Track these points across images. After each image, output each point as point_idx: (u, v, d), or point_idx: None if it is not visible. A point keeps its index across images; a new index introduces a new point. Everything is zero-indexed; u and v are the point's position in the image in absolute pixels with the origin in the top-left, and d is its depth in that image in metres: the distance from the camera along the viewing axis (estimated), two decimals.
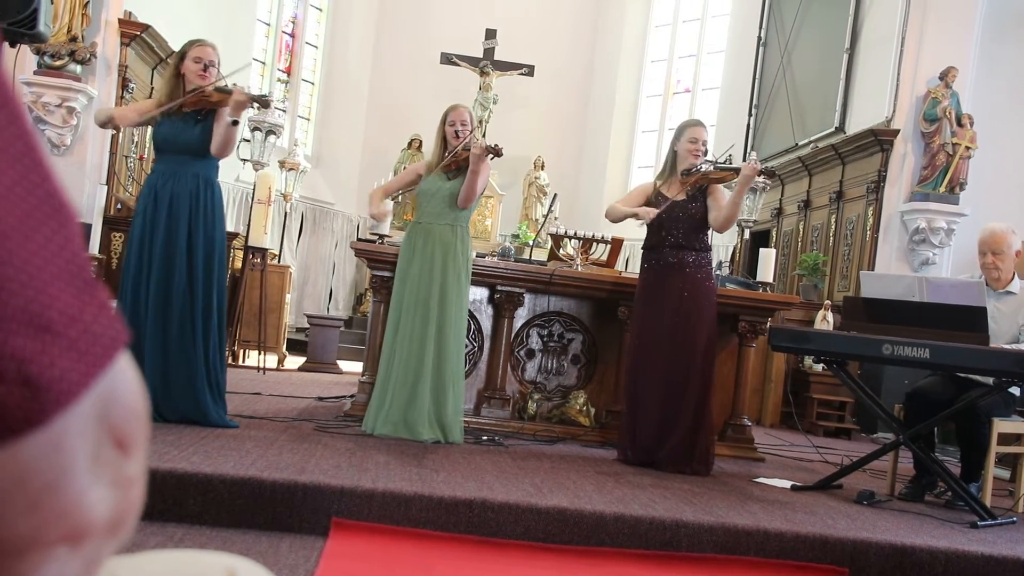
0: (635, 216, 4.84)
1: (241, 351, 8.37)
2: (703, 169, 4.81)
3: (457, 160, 4.86)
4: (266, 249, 8.29)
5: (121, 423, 0.42)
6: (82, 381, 0.39)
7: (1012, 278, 4.72)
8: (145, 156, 8.65)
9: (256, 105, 4.57)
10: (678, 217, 4.83)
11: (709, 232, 4.96)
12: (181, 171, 4.40)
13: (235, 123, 4.42)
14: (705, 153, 4.93)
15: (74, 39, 7.65)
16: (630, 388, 4.89)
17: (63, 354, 0.38)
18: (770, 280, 5.96)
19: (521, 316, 5.62)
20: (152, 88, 8.94)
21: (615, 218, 5.00)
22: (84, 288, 0.40)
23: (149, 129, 8.89)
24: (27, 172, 0.39)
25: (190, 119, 4.43)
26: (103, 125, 4.62)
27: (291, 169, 11.12)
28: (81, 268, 0.40)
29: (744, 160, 10.53)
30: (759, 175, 4.74)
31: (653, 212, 4.80)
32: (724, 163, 4.93)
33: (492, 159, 4.84)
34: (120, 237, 8.03)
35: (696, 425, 4.68)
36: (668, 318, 4.73)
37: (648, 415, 4.72)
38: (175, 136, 4.40)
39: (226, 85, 4.53)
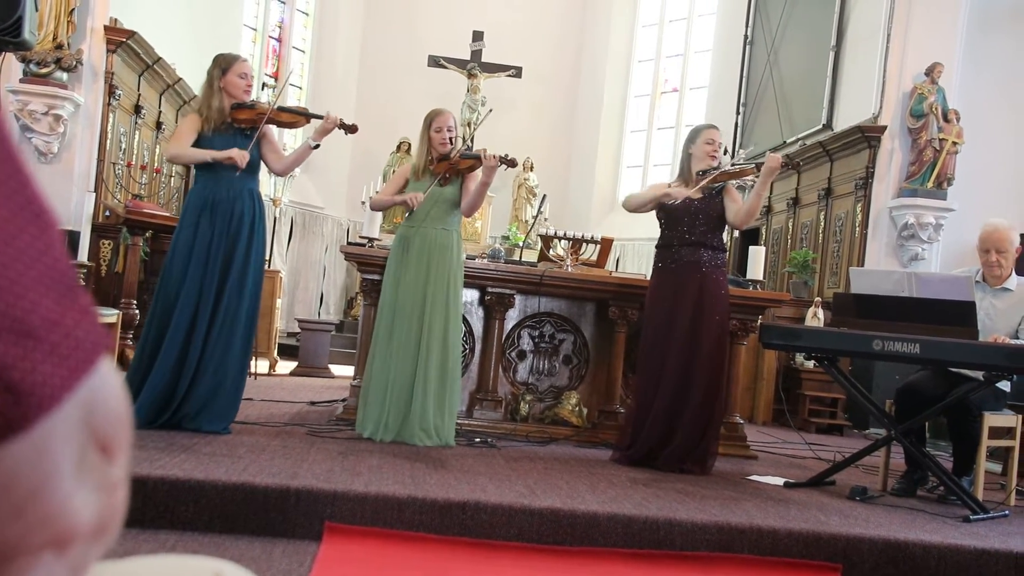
0: (665, 196, 4.79)
1: None
2: (721, 167, 4.80)
3: (456, 168, 4.85)
4: None
5: (105, 427, 0.42)
6: (64, 386, 0.39)
7: (1010, 275, 4.72)
8: (133, 163, 8.62)
9: (344, 131, 4.83)
10: (694, 215, 4.80)
11: (724, 233, 4.93)
12: (238, 187, 4.48)
13: (316, 147, 4.66)
14: (724, 154, 4.94)
15: (60, 46, 7.62)
16: (639, 386, 4.89)
17: (45, 359, 0.38)
18: (760, 278, 5.97)
19: (512, 317, 5.62)
20: (139, 95, 8.92)
21: (638, 203, 4.95)
22: (66, 293, 0.40)
23: (137, 136, 8.91)
24: (5, 179, 0.39)
25: (239, 135, 4.54)
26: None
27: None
28: (62, 273, 0.40)
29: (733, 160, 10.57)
30: (783, 167, 4.75)
31: (685, 191, 4.75)
32: (737, 164, 4.93)
33: (506, 169, 4.87)
34: (109, 244, 8.00)
35: (701, 426, 4.67)
36: (680, 317, 4.70)
37: (655, 414, 4.69)
38: None
39: (303, 108, 4.88)
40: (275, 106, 4.61)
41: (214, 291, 4.36)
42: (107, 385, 0.42)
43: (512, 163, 4.76)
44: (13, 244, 0.38)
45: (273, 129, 4.71)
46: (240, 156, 4.42)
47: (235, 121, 4.53)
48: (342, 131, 4.81)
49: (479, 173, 4.88)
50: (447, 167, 4.83)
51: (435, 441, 4.63)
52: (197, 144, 4.47)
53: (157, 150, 9.44)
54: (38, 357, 0.38)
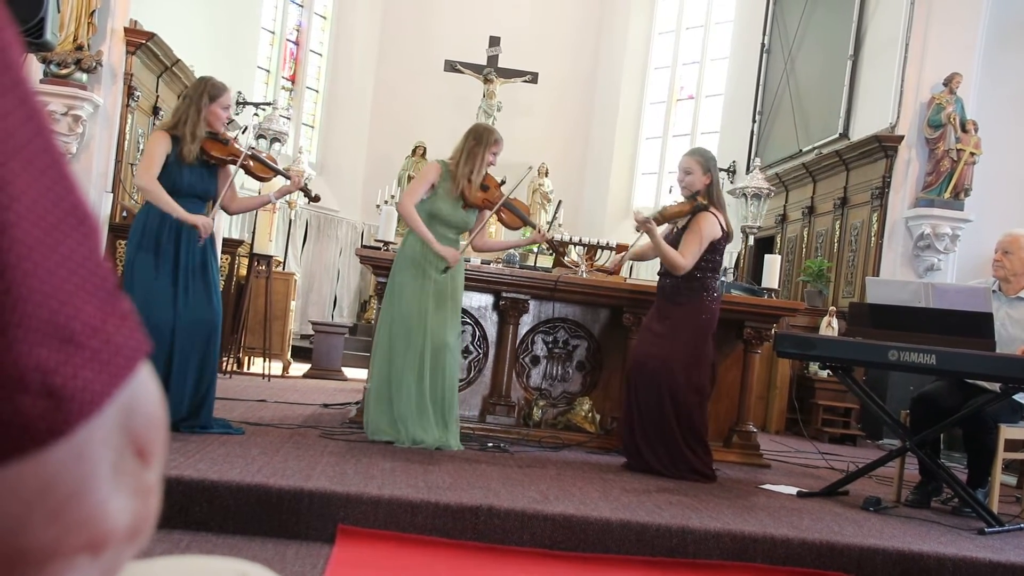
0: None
1: (246, 358, 8.38)
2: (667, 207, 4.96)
3: (500, 217, 4.89)
4: (271, 256, 8.31)
5: (141, 432, 0.43)
6: (105, 392, 0.39)
7: None
8: None
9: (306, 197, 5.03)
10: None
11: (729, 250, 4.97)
12: (194, 208, 4.43)
13: (272, 202, 4.93)
14: (683, 183, 4.89)
15: (80, 47, 7.67)
16: (624, 397, 5.01)
17: (86, 365, 0.39)
18: (775, 286, 5.95)
19: (526, 323, 5.62)
20: (157, 97, 8.98)
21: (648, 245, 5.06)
22: (107, 299, 0.40)
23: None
24: (52, 185, 0.40)
25: (204, 167, 4.47)
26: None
27: None
28: (104, 279, 0.41)
29: (748, 172, 10.59)
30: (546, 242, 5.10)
31: (640, 221, 4.76)
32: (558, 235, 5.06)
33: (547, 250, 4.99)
34: (125, 244, 8.04)
35: (684, 442, 4.70)
36: (653, 339, 4.80)
37: (633, 426, 4.78)
38: (197, 183, 4.44)
39: (277, 164, 4.89)
40: (249, 152, 4.55)
41: (181, 312, 4.31)
42: (145, 390, 0.43)
43: (558, 250, 4.81)
44: (57, 250, 0.39)
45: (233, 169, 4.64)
46: (205, 228, 4.39)
47: (206, 153, 4.42)
48: (303, 195, 4.92)
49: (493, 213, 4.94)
50: (481, 199, 4.80)
51: (444, 444, 4.65)
52: (164, 168, 4.33)
53: None
54: (79, 363, 0.39)
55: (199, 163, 4.42)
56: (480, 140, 4.80)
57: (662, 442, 4.70)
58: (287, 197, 10.69)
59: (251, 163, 4.59)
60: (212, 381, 4.43)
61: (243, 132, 4.74)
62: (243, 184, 7.61)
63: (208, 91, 4.41)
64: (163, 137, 4.37)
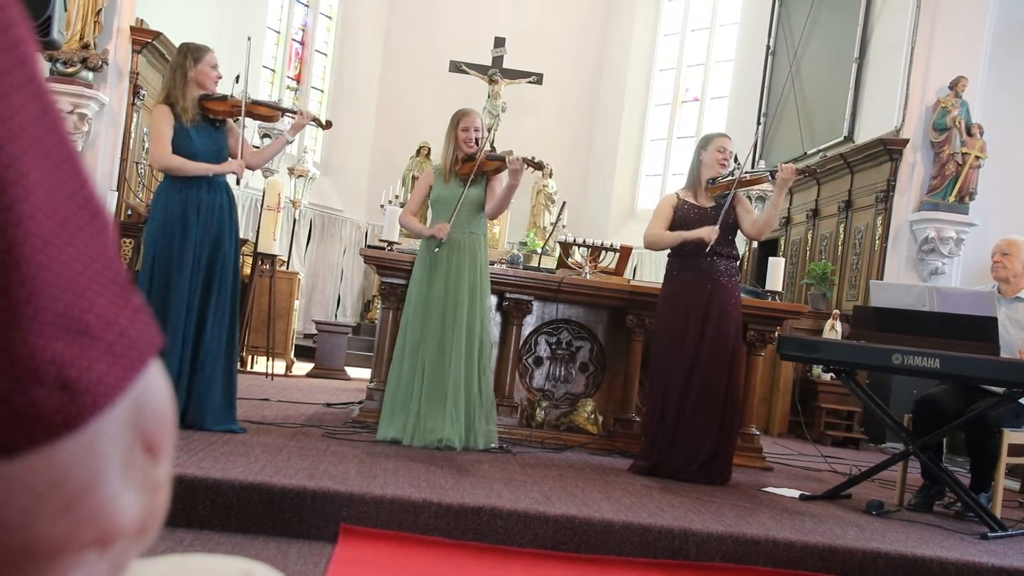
0: (698, 239, 4.70)
1: (249, 357, 8.38)
2: (733, 176, 4.76)
3: (481, 170, 4.84)
4: (275, 255, 8.31)
5: (152, 428, 0.43)
6: (118, 385, 0.39)
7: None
8: None
9: (315, 124, 5.05)
10: (711, 224, 4.79)
11: (740, 242, 4.92)
12: (215, 180, 4.44)
13: (290, 142, 4.88)
14: (735, 162, 4.92)
15: (86, 46, 7.69)
16: (652, 395, 4.88)
17: (100, 358, 0.39)
18: (779, 289, 5.94)
19: (529, 324, 5.62)
20: None
21: (665, 244, 4.88)
22: (120, 292, 0.40)
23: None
24: (66, 178, 0.40)
25: (212, 127, 4.48)
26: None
27: (300, 176, 11.16)
28: (117, 272, 0.41)
29: (752, 168, 10.55)
30: (799, 175, 4.76)
31: (715, 232, 4.67)
32: (750, 172, 4.90)
33: (533, 172, 4.91)
34: (130, 243, 8.05)
35: (719, 436, 4.66)
36: (695, 326, 4.68)
37: (669, 424, 4.67)
38: (210, 144, 4.44)
39: (280, 102, 4.86)
40: (249, 100, 4.56)
41: (200, 289, 4.32)
42: (155, 385, 0.43)
43: (538, 165, 4.78)
44: (72, 243, 0.39)
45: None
46: (240, 168, 4.45)
47: (209, 112, 4.45)
48: (315, 126, 4.97)
49: (504, 175, 4.88)
50: (471, 167, 4.81)
51: (483, 443, 4.68)
52: (175, 140, 4.36)
53: None
54: (93, 355, 0.39)
55: (206, 123, 4.44)
56: (451, 123, 4.95)
57: (724, 442, 4.67)
58: (293, 198, 10.70)
59: (257, 109, 4.64)
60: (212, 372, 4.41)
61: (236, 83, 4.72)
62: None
63: (191, 54, 4.44)
64: (163, 110, 4.40)
